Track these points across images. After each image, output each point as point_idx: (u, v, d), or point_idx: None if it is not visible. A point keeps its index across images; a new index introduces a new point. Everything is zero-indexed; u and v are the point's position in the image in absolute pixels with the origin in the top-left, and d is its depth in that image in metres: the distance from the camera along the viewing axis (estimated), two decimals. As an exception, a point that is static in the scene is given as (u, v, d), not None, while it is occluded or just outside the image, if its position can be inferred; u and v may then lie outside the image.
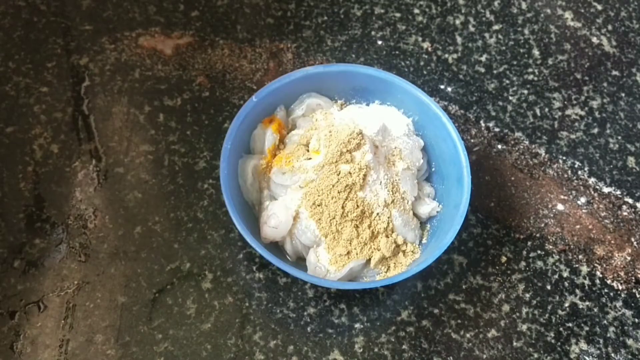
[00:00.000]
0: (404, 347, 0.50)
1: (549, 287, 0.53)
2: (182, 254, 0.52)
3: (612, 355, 0.50)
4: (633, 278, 0.54)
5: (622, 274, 0.54)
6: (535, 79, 0.63)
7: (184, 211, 0.53)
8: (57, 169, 0.54)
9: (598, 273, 0.54)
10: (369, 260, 0.48)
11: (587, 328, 0.51)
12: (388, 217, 0.49)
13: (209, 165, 0.56)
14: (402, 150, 0.51)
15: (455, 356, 0.49)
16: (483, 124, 0.60)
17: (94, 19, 0.62)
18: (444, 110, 0.52)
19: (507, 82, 0.63)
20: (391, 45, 0.64)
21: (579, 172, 0.58)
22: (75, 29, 0.61)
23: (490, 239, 0.54)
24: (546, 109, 0.61)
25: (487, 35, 0.65)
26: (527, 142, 0.59)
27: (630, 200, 0.57)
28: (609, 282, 0.53)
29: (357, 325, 0.50)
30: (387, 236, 0.48)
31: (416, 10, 0.66)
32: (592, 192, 0.57)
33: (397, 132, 0.52)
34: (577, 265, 0.54)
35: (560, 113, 0.61)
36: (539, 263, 0.54)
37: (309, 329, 0.50)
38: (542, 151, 0.59)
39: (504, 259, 0.54)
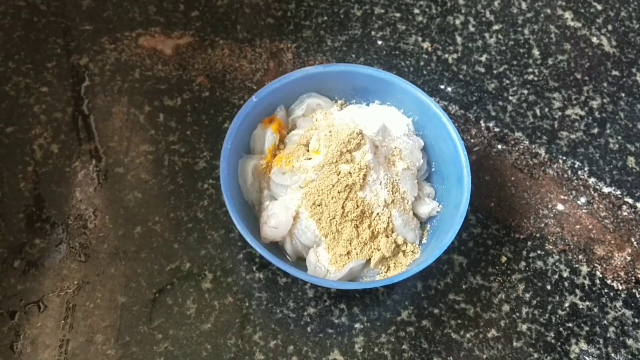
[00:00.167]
0: (404, 347, 0.50)
1: (549, 287, 0.53)
2: (182, 254, 0.52)
3: (612, 355, 0.50)
4: (633, 278, 0.54)
5: (622, 274, 0.54)
6: (535, 79, 0.63)
7: (184, 211, 0.53)
8: (57, 169, 0.54)
9: (598, 273, 0.54)
10: (369, 260, 0.48)
11: (587, 328, 0.51)
12: (388, 217, 0.49)
13: (209, 165, 0.56)
14: (402, 150, 0.51)
15: (455, 356, 0.49)
16: (483, 124, 0.60)
17: (94, 19, 0.62)
18: (444, 110, 0.52)
19: (507, 82, 0.63)
20: (391, 45, 0.64)
21: (579, 172, 0.58)
22: (75, 29, 0.61)
23: (490, 239, 0.54)
24: (546, 109, 0.61)
25: (487, 35, 0.65)
26: (527, 142, 0.59)
27: (630, 200, 0.57)
28: (609, 282, 0.53)
29: (357, 325, 0.50)
30: (387, 236, 0.48)
31: (416, 10, 0.66)
32: (592, 192, 0.57)
33: (397, 132, 0.52)
34: (577, 265, 0.54)
35: (560, 113, 0.61)
36: (539, 263, 0.54)
37: (309, 329, 0.50)
38: (542, 151, 0.59)
39: (504, 259, 0.54)
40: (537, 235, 0.55)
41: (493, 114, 0.61)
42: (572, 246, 0.55)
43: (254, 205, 0.51)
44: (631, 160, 0.59)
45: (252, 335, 0.49)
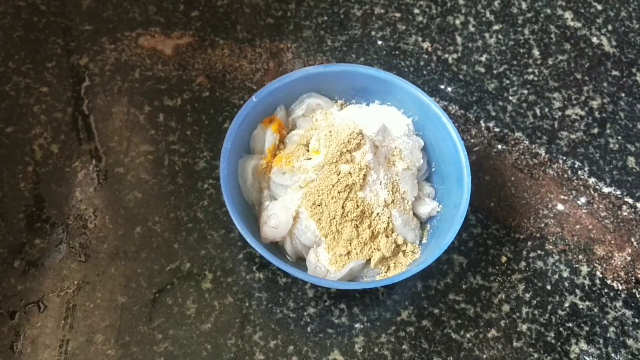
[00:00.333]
0: (404, 347, 0.50)
1: (549, 287, 0.53)
2: (182, 254, 0.52)
3: (612, 355, 0.50)
4: (633, 278, 0.54)
5: (622, 274, 0.54)
6: (535, 79, 0.63)
7: (184, 211, 0.53)
8: (57, 169, 0.54)
9: (598, 273, 0.54)
10: (369, 260, 0.48)
11: (587, 328, 0.51)
12: (388, 217, 0.49)
13: (209, 165, 0.56)
14: (402, 150, 0.51)
15: (455, 356, 0.49)
16: (483, 124, 0.60)
17: (94, 19, 0.62)
18: (444, 110, 0.52)
19: (507, 82, 0.63)
20: (391, 45, 0.64)
21: (579, 172, 0.58)
22: (75, 29, 0.61)
23: (490, 239, 0.54)
24: (546, 109, 0.61)
25: (487, 35, 0.65)
26: (527, 142, 0.59)
27: (630, 200, 0.57)
28: (609, 282, 0.53)
29: (357, 325, 0.50)
30: (387, 236, 0.48)
31: (416, 10, 0.66)
32: (592, 192, 0.57)
33: (397, 132, 0.52)
34: (577, 265, 0.54)
35: (560, 113, 0.61)
36: (539, 263, 0.54)
37: (309, 329, 0.50)
38: (542, 151, 0.59)
39: (504, 259, 0.54)
40: (537, 235, 0.55)
41: (493, 114, 0.61)
42: (572, 246, 0.55)
43: (254, 205, 0.51)
44: (631, 160, 0.59)
45: (252, 335, 0.49)
